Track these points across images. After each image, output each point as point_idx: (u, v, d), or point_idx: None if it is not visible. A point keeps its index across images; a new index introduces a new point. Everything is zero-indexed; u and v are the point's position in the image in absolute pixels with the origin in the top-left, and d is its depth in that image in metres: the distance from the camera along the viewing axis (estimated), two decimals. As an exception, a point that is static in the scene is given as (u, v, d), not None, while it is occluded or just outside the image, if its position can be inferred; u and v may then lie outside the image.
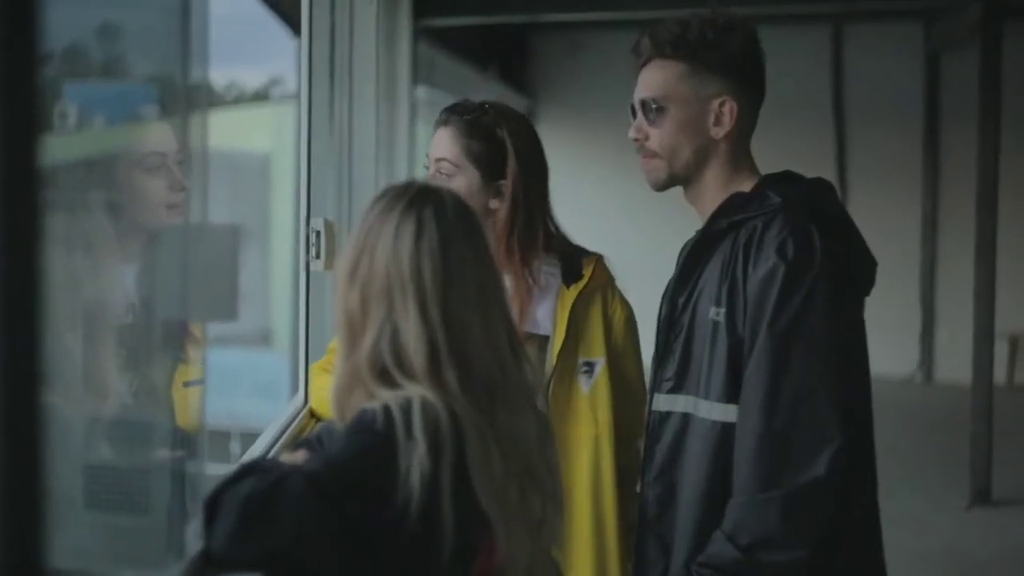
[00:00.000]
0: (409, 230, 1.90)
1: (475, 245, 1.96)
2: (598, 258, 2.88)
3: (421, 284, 1.88)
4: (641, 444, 2.68)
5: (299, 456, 1.96)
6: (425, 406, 1.82)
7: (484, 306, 1.94)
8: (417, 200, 1.94)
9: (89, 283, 2.14)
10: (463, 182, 2.76)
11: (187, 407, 2.33)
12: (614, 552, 2.78)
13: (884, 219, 13.27)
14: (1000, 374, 10.88)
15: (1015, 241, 11.06)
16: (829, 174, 13.73)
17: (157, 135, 2.60)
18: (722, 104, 2.50)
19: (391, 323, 1.88)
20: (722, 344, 2.41)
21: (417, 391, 1.84)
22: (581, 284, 2.81)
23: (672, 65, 2.53)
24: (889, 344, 13.12)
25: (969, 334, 8.69)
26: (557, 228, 2.89)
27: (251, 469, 1.81)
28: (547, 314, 2.78)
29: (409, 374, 1.86)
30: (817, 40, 13.71)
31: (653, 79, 2.55)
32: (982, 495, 8.26)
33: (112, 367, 2.15)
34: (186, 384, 2.37)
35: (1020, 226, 11.81)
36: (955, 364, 12.44)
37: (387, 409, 1.82)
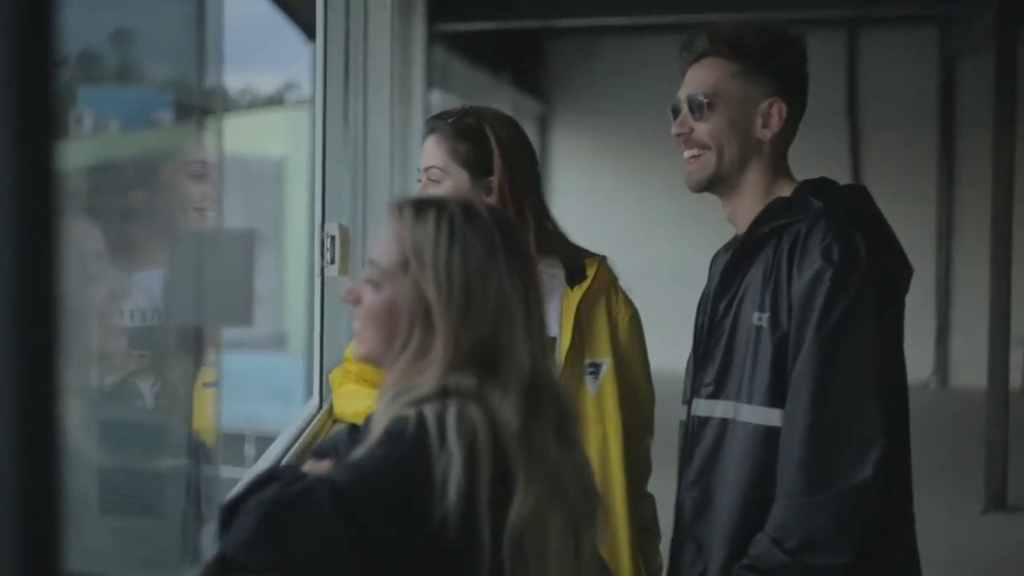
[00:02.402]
0: (518, 261, 1.93)
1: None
2: (601, 259, 2.88)
3: (528, 308, 1.92)
4: (650, 442, 2.72)
5: (323, 466, 1.95)
6: (462, 415, 1.78)
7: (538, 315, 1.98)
8: (501, 222, 1.96)
9: (100, 283, 2.15)
10: (453, 185, 2.77)
11: (205, 409, 2.34)
12: (625, 552, 2.79)
13: (899, 224, 13.05)
14: (1016, 379, 10.84)
15: (1031, 246, 11.02)
16: (844, 179, 13.58)
17: (204, 145, 2.62)
18: (771, 105, 2.52)
19: (503, 348, 1.88)
20: (766, 348, 2.41)
21: (458, 401, 1.81)
22: (585, 285, 2.82)
23: (726, 64, 2.54)
24: (904, 349, 13.09)
25: (984, 339, 8.67)
26: (555, 226, 2.89)
27: (275, 477, 1.79)
28: (553, 315, 2.78)
29: (489, 388, 1.85)
30: (832, 45, 13.69)
31: (705, 76, 2.55)
32: (997, 500, 8.24)
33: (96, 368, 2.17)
34: (205, 385, 2.37)
35: (1036, 231, 11.78)
36: (970, 369, 12.38)
37: (421, 417, 1.78)
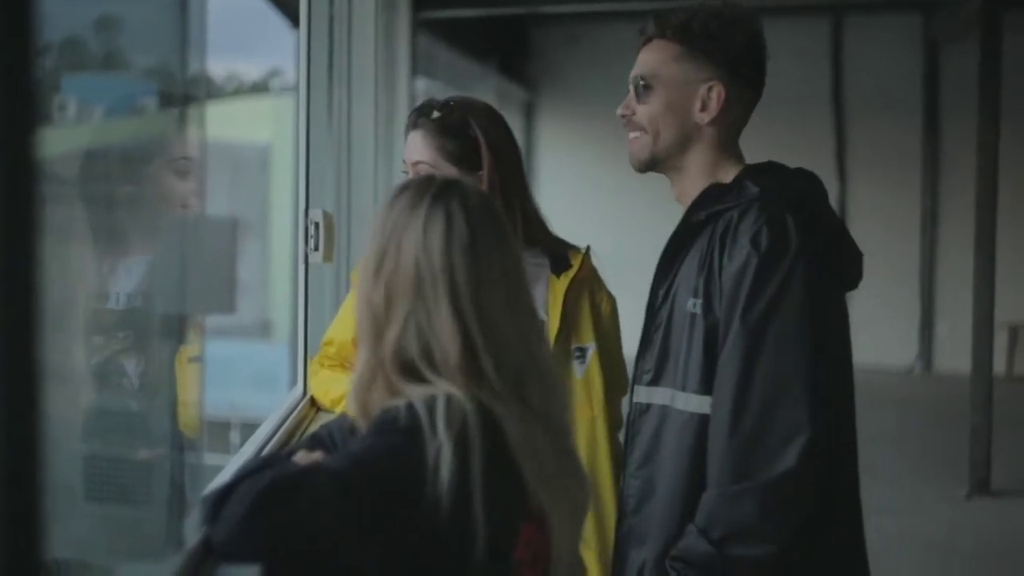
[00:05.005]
0: (439, 225, 1.89)
1: (501, 234, 1.96)
2: (585, 250, 2.93)
3: (453, 278, 1.87)
4: (622, 434, 2.71)
5: (316, 456, 1.95)
6: (450, 402, 1.80)
7: (511, 294, 1.94)
8: (443, 194, 1.93)
9: (86, 273, 2.15)
10: None
11: (189, 384, 2.33)
12: (613, 532, 2.81)
13: (884, 210, 13.30)
14: (999, 365, 10.89)
15: (1014, 232, 11.06)
16: (828, 166, 13.80)
17: (189, 138, 2.62)
18: (710, 89, 2.50)
19: (419, 317, 1.86)
20: (699, 336, 2.40)
21: (444, 387, 1.82)
22: (572, 273, 2.87)
23: (669, 47, 2.53)
24: (889, 335, 13.15)
25: (968, 325, 8.69)
26: (541, 217, 2.93)
27: (267, 464, 1.79)
28: (539, 301, 2.81)
29: (438, 368, 1.85)
30: (817, 32, 13.71)
31: (648, 58, 2.56)
32: (981, 485, 8.27)
33: (81, 354, 2.17)
34: (189, 360, 2.37)
35: (1019, 217, 11.82)
36: (955, 355, 12.45)
37: (411, 407, 1.80)
